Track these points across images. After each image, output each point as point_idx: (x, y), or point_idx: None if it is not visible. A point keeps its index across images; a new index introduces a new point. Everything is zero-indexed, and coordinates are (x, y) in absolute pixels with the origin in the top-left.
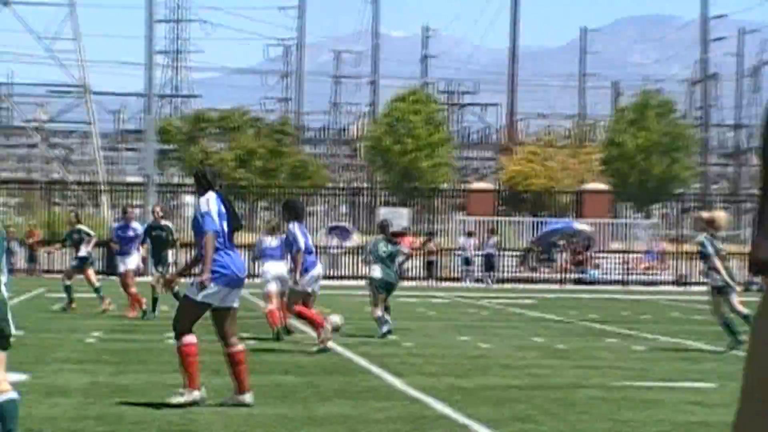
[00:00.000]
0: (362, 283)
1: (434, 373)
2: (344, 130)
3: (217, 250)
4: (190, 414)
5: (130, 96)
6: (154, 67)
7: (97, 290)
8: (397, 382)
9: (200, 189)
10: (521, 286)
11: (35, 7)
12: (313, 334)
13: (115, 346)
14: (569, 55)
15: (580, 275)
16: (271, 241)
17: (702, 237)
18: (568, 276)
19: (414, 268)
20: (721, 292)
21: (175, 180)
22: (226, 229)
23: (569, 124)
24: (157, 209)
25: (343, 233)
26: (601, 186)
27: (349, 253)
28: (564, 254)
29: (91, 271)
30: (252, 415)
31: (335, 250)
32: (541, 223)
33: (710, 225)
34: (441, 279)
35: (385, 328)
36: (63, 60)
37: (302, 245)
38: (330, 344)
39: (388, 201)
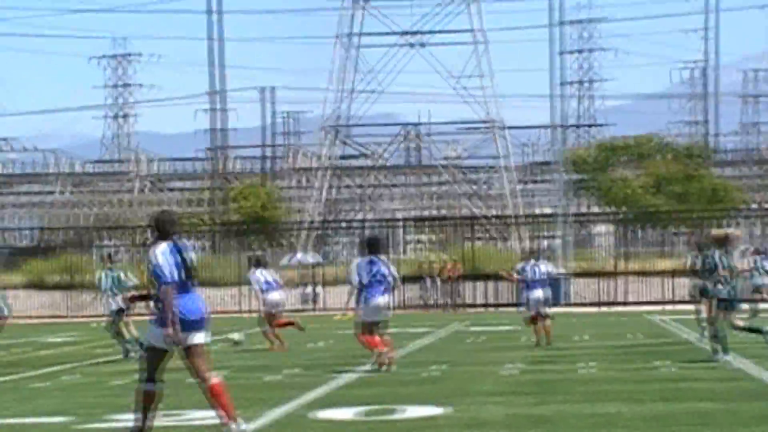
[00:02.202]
0: None
1: None
2: (757, 150)
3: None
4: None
5: (539, 128)
6: (563, 98)
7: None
8: None
9: (156, 237)
10: None
11: (446, 48)
12: None
13: (533, 377)
14: None
15: None
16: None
17: (713, 251)
18: None
19: None
20: (725, 305)
21: (589, 209)
22: (177, 277)
23: None
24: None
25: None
26: None
27: None
28: None
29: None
30: None
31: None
32: None
33: (722, 242)
34: None
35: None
36: (473, 97)
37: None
38: None
39: None
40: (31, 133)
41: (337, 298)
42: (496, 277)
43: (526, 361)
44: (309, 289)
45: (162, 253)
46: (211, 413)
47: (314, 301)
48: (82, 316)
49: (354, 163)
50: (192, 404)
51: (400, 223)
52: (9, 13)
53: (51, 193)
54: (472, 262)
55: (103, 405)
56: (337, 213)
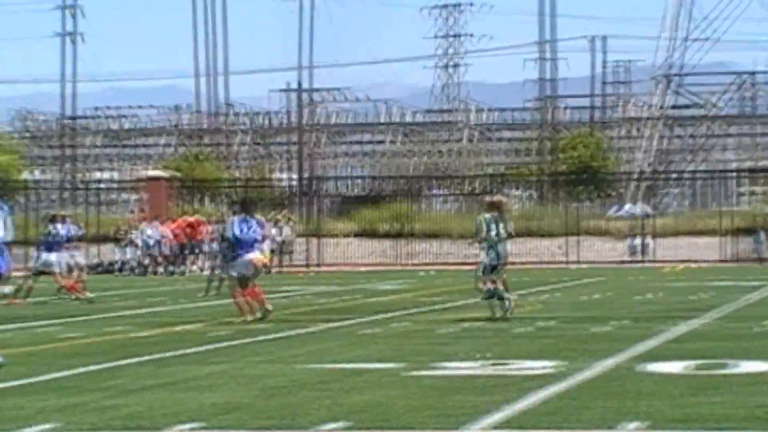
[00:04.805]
0: None
1: None
2: None
3: None
4: None
5: None
6: None
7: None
8: None
9: None
10: None
11: None
12: None
13: None
14: None
15: None
16: None
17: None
18: None
19: None
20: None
21: None
22: None
23: None
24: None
25: None
26: None
27: None
28: None
29: None
30: None
31: None
32: None
33: (495, 207)
34: None
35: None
36: None
37: None
38: None
39: None
40: (364, 83)
41: (667, 250)
42: None
43: None
44: (638, 240)
45: None
46: (539, 363)
47: (643, 253)
48: (412, 264)
49: (686, 112)
50: (519, 355)
51: (733, 174)
52: None
53: (382, 142)
54: None
55: (432, 353)
56: (668, 164)
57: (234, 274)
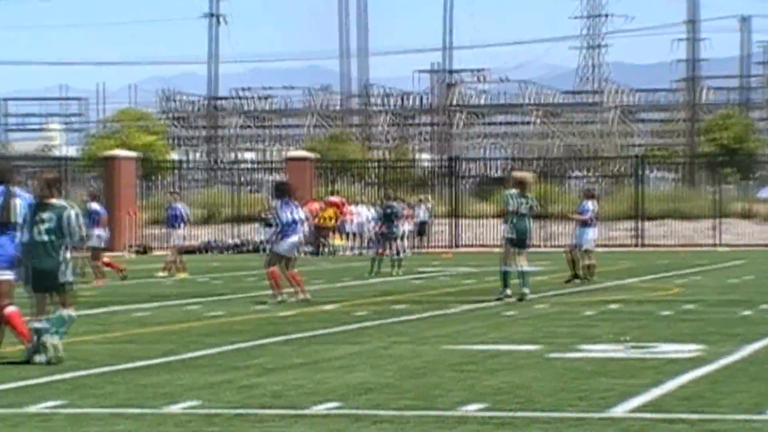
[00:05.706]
0: None
1: None
2: None
3: None
4: None
5: None
6: None
7: None
8: None
9: None
10: None
11: None
12: None
13: None
14: None
15: None
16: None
17: (507, 193)
18: None
19: None
20: (513, 244)
21: None
22: None
23: None
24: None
25: None
26: None
27: None
28: None
29: None
30: None
31: None
32: None
33: (520, 184)
34: None
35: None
36: None
37: None
38: None
39: None
40: (506, 63)
41: None
42: None
43: None
44: None
45: None
46: (683, 346)
47: None
48: (554, 246)
49: None
50: (662, 338)
51: None
52: None
53: (525, 123)
54: None
55: (575, 335)
56: None
57: (279, 252)
